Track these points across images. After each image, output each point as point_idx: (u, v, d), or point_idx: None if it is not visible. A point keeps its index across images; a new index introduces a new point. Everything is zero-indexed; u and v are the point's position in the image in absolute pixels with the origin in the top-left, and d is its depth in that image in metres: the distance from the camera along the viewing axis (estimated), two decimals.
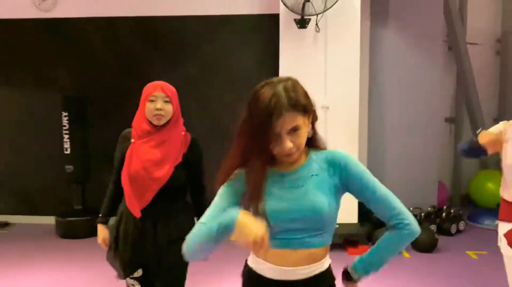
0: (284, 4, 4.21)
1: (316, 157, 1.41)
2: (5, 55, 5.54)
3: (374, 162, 5.44)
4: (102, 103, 5.37)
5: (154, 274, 2.19)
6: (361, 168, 1.40)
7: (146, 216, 2.13)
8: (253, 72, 5.23)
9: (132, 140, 2.14)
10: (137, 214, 2.10)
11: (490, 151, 2.54)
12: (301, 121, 1.32)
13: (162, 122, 2.12)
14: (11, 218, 5.63)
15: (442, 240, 4.75)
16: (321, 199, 1.33)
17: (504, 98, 6.44)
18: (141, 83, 5.43)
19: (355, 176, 1.38)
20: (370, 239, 4.50)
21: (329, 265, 1.45)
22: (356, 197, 1.41)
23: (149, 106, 2.11)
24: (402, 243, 1.41)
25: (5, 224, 5.52)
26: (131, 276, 2.22)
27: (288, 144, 1.29)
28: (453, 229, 4.91)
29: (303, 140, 1.35)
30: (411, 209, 5.05)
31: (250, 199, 1.33)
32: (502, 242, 2.40)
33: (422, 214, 4.96)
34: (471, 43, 6.27)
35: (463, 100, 6.14)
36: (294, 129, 1.30)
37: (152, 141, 2.13)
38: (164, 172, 2.09)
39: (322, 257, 1.40)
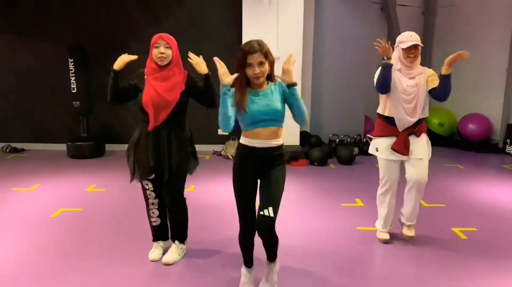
0: None
1: (272, 85, 2.35)
2: (19, 12, 6.47)
3: (315, 99, 6.83)
4: (100, 50, 6.46)
5: (166, 176, 2.80)
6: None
7: (161, 132, 2.75)
8: (222, 27, 6.47)
9: (145, 77, 2.78)
10: (150, 128, 2.73)
11: None
12: (265, 60, 2.24)
13: (165, 63, 2.71)
14: (28, 145, 6.83)
15: (362, 157, 6.37)
16: (278, 104, 2.30)
17: (426, 50, 7.80)
18: (130, 34, 6.98)
19: (289, 94, 2.32)
20: (307, 156, 6.02)
21: (282, 143, 2.39)
22: (287, 103, 2.35)
23: (155, 51, 2.69)
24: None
25: (22, 150, 6.76)
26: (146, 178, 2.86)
27: (257, 70, 2.23)
28: None
29: (265, 70, 2.25)
30: (342, 136, 6.62)
31: (238, 104, 2.29)
32: (379, 151, 3.25)
33: (349, 139, 6.55)
34: (401, 5, 7.58)
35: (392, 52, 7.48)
36: (261, 64, 2.24)
37: (160, 77, 2.73)
38: (174, 96, 2.73)
39: (279, 135, 2.36)
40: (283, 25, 5.80)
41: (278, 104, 2.31)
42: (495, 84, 7.08)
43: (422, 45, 3.09)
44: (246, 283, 2.62)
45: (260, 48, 2.23)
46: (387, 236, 3.37)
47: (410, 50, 3.05)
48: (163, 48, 2.69)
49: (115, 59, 2.83)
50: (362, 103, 6.90)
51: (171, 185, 2.85)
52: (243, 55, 2.24)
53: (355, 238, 3.44)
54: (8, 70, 6.65)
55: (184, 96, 2.80)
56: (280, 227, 3.57)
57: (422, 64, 3.22)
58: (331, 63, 6.73)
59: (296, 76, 6.15)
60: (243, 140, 2.40)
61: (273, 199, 2.34)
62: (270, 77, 2.34)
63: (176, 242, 3.05)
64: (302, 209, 4.15)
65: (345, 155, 5.94)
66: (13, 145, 6.71)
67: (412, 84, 3.10)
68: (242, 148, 2.41)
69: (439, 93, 3.05)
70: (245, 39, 5.76)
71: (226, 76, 2.24)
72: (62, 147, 6.54)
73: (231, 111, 2.27)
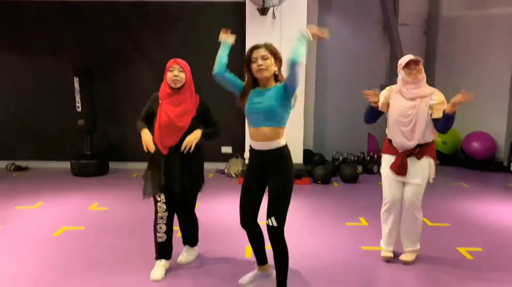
0: None
1: (277, 85, 2.46)
2: (26, 32, 6.57)
3: (319, 117, 6.86)
4: (105, 70, 6.55)
5: (178, 193, 2.96)
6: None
7: (174, 154, 2.89)
8: None
9: (160, 101, 2.93)
10: (165, 152, 2.89)
11: (385, 111, 3.22)
12: (270, 56, 2.39)
13: (178, 85, 2.88)
14: (32, 163, 6.84)
15: (365, 176, 6.35)
16: (271, 102, 2.38)
17: (428, 69, 7.87)
18: (136, 55, 7.05)
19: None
20: (310, 174, 6.00)
21: (285, 145, 2.45)
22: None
23: (169, 74, 2.88)
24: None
25: (26, 168, 6.76)
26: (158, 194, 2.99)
27: (260, 61, 2.38)
28: (375, 169, 6.47)
29: (269, 64, 2.38)
30: (345, 154, 6.62)
31: (241, 98, 2.53)
32: (382, 169, 3.32)
33: (353, 158, 6.54)
34: (403, 24, 7.66)
35: (395, 71, 7.52)
36: (264, 58, 2.39)
37: (173, 102, 2.88)
38: (184, 123, 2.88)
39: (273, 137, 2.40)
40: (286, 44, 5.83)
41: (271, 102, 2.39)
42: (498, 102, 7.08)
43: (421, 60, 3.09)
44: (246, 278, 2.82)
45: (265, 45, 2.43)
46: (390, 255, 3.33)
47: (410, 66, 3.06)
48: (177, 71, 2.87)
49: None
50: None
51: (184, 201, 3.06)
52: (250, 52, 2.44)
53: (359, 258, 3.40)
54: (14, 88, 6.72)
55: (195, 121, 2.94)
56: None
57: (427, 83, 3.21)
58: (334, 81, 6.79)
59: (299, 94, 6.20)
60: (250, 142, 2.58)
61: (274, 208, 2.44)
62: (277, 77, 2.47)
63: (187, 245, 3.30)
64: (306, 228, 4.12)
65: (348, 173, 5.92)
66: (18, 162, 6.73)
67: (410, 106, 3.06)
68: (250, 148, 2.58)
69: (438, 127, 3.07)
70: None
71: (225, 37, 2.68)
72: (66, 164, 6.54)
73: (225, 58, 2.61)
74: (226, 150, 6.64)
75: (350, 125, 6.80)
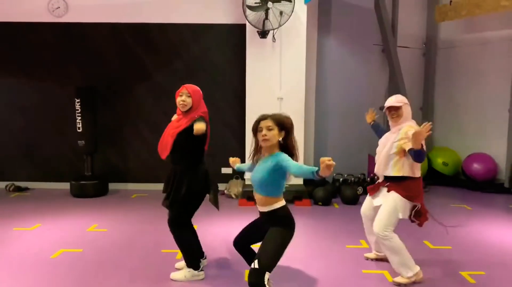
0: (249, 22, 5.56)
1: (276, 154, 2.56)
2: (28, 54, 6.64)
3: (319, 138, 6.86)
4: (106, 92, 6.60)
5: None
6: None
7: (173, 168, 3.20)
8: (226, 69, 6.60)
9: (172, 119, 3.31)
10: (163, 157, 3.18)
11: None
12: (275, 127, 2.53)
13: (185, 109, 3.15)
14: (32, 184, 6.81)
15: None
16: (262, 174, 2.56)
17: (427, 90, 7.96)
18: (137, 76, 7.08)
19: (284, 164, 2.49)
20: (311, 195, 5.98)
21: (279, 208, 2.60)
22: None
23: (178, 99, 3.16)
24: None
25: (26, 188, 6.74)
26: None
27: (264, 132, 2.54)
28: None
29: (273, 135, 2.53)
30: (346, 175, 6.60)
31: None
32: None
33: (353, 179, 6.51)
34: (402, 47, 7.74)
35: (394, 92, 7.55)
36: (269, 129, 2.55)
37: (178, 119, 3.20)
38: (171, 136, 3.14)
39: (269, 203, 2.59)
40: (285, 67, 5.91)
41: (263, 174, 2.55)
42: (498, 124, 7.09)
43: (401, 104, 3.24)
44: None
45: (271, 116, 2.57)
46: (369, 255, 3.79)
47: (390, 112, 3.28)
48: (185, 96, 3.14)
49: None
50: (366, 142, 6.88)
51: (169, 214, 3.23)
52: (257, 122, 2.59)
53: (360, 282, 3.35)
54: (15, 109, 6.75)
55: (181, 136, 3.10)
56: (283, 269, 3.54)
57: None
58: (334, 103, 6.80)
59: (299, 115, 6.18)
60: None
61: (260, 252, 2.54)
62: (287, 145, 2.60)
63: (185, 266, 3.32)
64: (306, 251, 4.08)
65: (349, 195, 5.89)
66: (18, 183, 6.71)
67: (385, 136, 3.40)
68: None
69: (412, 158, 3.07)
70: (248, 80, 5.89)
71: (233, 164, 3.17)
72: (66, 185, 6.53)
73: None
74: (226, 171, 6.63)
75: (350, 146, 6.79)
